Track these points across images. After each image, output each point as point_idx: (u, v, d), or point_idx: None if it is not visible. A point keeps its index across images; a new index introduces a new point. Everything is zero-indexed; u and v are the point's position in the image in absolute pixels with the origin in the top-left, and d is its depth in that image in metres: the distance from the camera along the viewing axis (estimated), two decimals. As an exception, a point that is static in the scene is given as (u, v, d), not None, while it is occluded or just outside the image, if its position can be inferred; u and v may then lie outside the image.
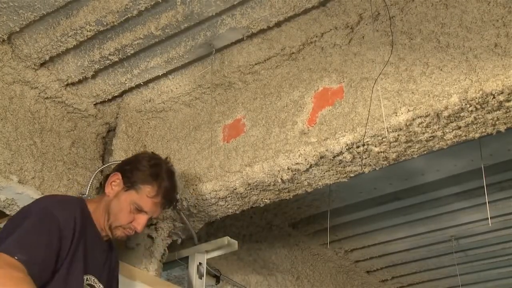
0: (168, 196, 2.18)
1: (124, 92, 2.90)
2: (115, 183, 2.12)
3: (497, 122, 2.18)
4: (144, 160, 2.17)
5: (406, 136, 2.24)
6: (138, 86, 2.85)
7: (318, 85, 2.50)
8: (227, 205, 2.74)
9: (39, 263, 1.79)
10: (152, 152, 2.28)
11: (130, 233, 2.13)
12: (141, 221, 2.11)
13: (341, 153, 2.34)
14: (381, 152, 2.33)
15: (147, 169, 2.14)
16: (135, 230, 2.13)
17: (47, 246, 1.83)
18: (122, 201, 2.09)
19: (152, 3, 2.33)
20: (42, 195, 2.62)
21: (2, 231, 1.89)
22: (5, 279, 1.67)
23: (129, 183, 2.10)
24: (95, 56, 2.60)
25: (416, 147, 2.32)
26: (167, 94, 2.85)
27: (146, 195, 2.11)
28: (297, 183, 2.56)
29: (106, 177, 2.20)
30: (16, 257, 1.73)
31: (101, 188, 2.13)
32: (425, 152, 2.36)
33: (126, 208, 2.09)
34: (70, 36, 2.47)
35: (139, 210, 2.11)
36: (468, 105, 2.08)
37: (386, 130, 2.21)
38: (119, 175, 2.12)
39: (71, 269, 1.89)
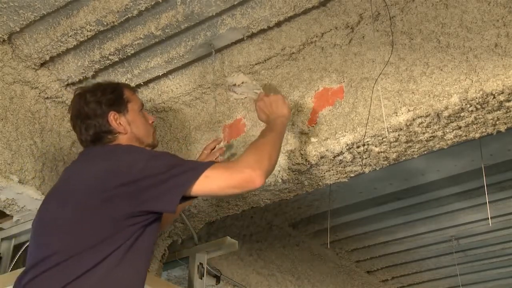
0: (129, 84, 2.39)
1: (125, 92, 2.90)
2: (116, 118, 2.12)
3: (497, 122, 2.18)
4: (92, 94, 2.16)
5: (407, 136, 2.24)
6: (138, 86, 2.85)
7: (318, 85, 2.50)
8: (228, 205, 2.74)
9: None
10: (80, 88, 2.27)
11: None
12: (148, 115, 2.28)
13: (341, 153, 2.34)
14: (382, 152, 2.33)
15: (106, 90, 2.17)
16: (154, 125, 2.31)
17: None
18: (135, 119, 2.16)
19: (152, 3, 2.33)
20: (43, 195, 2.63)
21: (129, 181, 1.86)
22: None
23: (121, 106, 2.15)
24: (95, 56, 2.60)
25: (417, 147, 2.32)
26: (167, 94, 2.85)
27: (132, 95, 2.22)
28: (297, 183, 2.57)
29: (97, 134, 2.12)
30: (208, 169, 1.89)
31: (100, 143, 2.12)
32: (425, 152, 2.37)
33: (142, 119, 2.20)
34: (70, 36, 2.47)
35: (142, 109, 2.24)
36: (469, 105, 2.08)
37: (386, 130, 2.21)
38: (112, 112, 2.12)
39: None
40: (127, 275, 1.83)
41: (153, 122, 2.27)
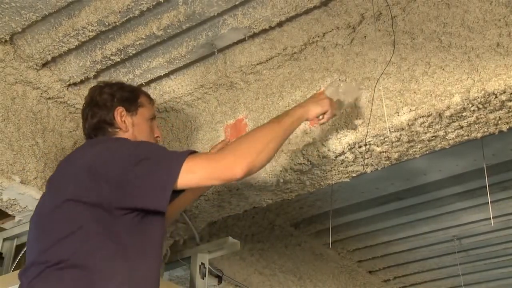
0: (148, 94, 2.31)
1: (126, 92, 2.90)
2: (124, 116, 2.11)
3: (499, 122, 2.17)
4: (109, 88, 2.17)
5: (408, 136, 2.24)
6: (140, 86, 2.85)
7: (320, 85, 2.50)
8: (229, 205, 2.74)
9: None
10: (94, 87, 2.25)
11: None
12: (158, 129, 2.23)
13: (343, 153, 2.34)
14: (383, 152, 2.33)
15: (125, 89, 2.18)
16: (158, 139, 2.23)
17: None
18: (141, 124, 2.13)
19: (154, 3, 2.33)
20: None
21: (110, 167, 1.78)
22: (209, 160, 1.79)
23: (132, 106, 2.14)
24: (97, 56, 2.60)
25: (418, 147, 2.32)
26: (169, 94, 2.85)
27: (148, 104, 2.20)
28: (299, 183, 2.56)
29: (98, 124, 2.11)
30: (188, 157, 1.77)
31: (99, 135, 2.11)
32: (427, 152, 2.36)
33: (148, 126, 2.16)
34: (72, 36, 2.47)
35: (152, 119, 2.20)
36: (470, 105, 2.08)
37: (388, 130, 2.21)
38: (121, 108, 2.11)
39: None
40: (129, 272, 1.72)
41: (157, 137, 2.22)
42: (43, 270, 1.72)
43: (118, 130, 2.10)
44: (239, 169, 1.74)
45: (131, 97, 2.16)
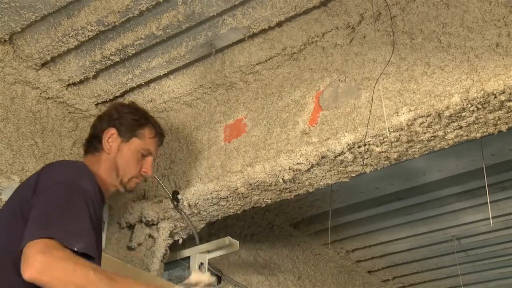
0: (163, 131, 2.26)
1: (126, 92, 2.90)
2: (112, 138, 2.09)
3: (498, 122, 2.18)
4: (125, 108, 2.17)
5: (408, 136, 2.24)
6: (139, 86, 2.85)
7: (319, 85, 2.50)
8: (229, 205, 2.74)
9: (94, 246, 1.66)
10: (118, 102, 2.26)
11: (140, 180, 2.17)
12: (149, 164, 2.16)
13: (342, 153, 2.34)
14: (383, 152, 2.33)
15: (135, 114, 2.15)
16: (146, 175, 2.17)
17: (89, 222, 1.69)
18: (127, 152, 2.10)
19: (153, 3, 2.33)
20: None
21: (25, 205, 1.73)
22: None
23: (128, 133, 2.11)
24: (97, 56, 2.60)
25: (418, 147, 2.32)
26: (168, 94, 2.85)
27: (148, 137, 2.16)
28: (299, 183, 2.56)
29: (92, 136, 2.13)
30: (75, 248, 1.58)
31: (91, 148, 2.10)
32: (426, 152, 2.36)
33: (134, 158, 2.11)
34: (71, 36, 2.47)
35: (145, 155, 2.14)
36: (470, 105, 2.08)
37: (387, 130, 2.21)
38: (113, 130, 2.09)
39: (97, 241, 1.77)
40: None
41: (145, 172, 2.14)
42: None
43: (103, 149, 2.09)
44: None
45: (133, 124, 2.12)
